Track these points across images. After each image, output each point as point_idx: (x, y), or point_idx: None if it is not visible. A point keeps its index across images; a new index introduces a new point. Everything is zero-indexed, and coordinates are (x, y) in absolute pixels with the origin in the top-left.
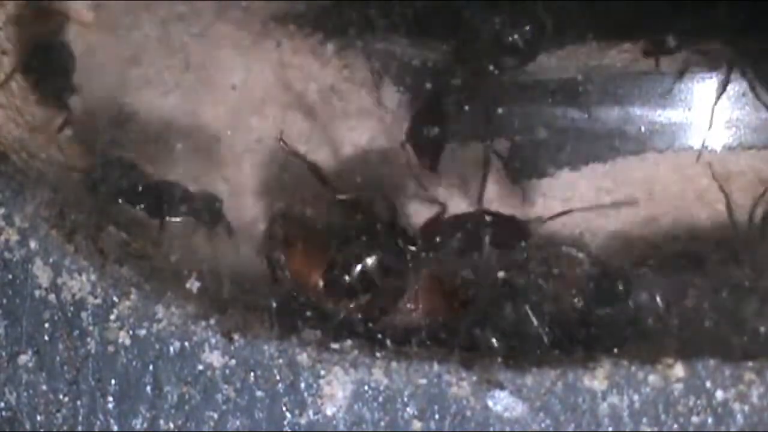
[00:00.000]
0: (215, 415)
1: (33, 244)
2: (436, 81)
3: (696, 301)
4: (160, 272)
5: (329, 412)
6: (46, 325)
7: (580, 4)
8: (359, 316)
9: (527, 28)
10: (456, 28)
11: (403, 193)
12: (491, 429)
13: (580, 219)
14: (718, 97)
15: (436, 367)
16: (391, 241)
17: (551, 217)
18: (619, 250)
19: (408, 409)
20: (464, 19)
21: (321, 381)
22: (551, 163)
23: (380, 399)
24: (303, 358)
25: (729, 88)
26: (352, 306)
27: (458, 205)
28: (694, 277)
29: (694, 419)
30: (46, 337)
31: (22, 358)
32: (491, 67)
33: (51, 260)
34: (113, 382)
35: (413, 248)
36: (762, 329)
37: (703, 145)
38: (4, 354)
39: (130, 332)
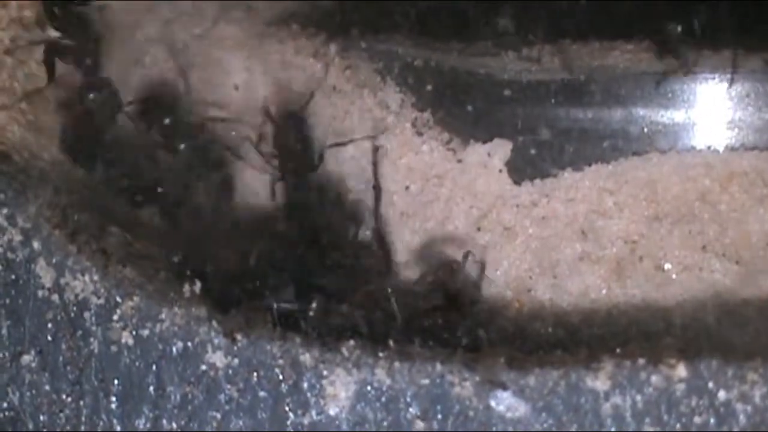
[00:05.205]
0: (218, 416)
1: (36, 245)
2: None
3: None
4: (163, 272)
5: (332, 412)
6: (49, 325)
7: (583, 4)
8: None
9: None
10: (458, 28)
11: None
12: (494, 429)
13: (583, 220)
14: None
15: (438, 367)
16: None
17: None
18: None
19: (411, 409)
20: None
21: (324, 381)
22: (554, 163)
23: (383, 399)
24: (306, 358)
25: (732, 88)
26: None
27: None
28: None
29: (697, 419)
30: (49, 338)
31: (25, 358)
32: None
33: (54, 260)
34: (116, 382)
35: None
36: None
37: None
38: (7, 354)
39: (133, 332)
